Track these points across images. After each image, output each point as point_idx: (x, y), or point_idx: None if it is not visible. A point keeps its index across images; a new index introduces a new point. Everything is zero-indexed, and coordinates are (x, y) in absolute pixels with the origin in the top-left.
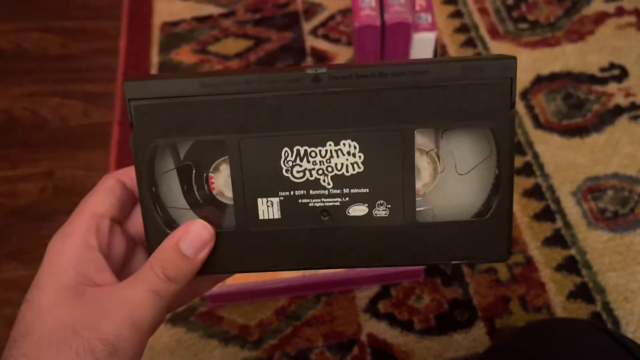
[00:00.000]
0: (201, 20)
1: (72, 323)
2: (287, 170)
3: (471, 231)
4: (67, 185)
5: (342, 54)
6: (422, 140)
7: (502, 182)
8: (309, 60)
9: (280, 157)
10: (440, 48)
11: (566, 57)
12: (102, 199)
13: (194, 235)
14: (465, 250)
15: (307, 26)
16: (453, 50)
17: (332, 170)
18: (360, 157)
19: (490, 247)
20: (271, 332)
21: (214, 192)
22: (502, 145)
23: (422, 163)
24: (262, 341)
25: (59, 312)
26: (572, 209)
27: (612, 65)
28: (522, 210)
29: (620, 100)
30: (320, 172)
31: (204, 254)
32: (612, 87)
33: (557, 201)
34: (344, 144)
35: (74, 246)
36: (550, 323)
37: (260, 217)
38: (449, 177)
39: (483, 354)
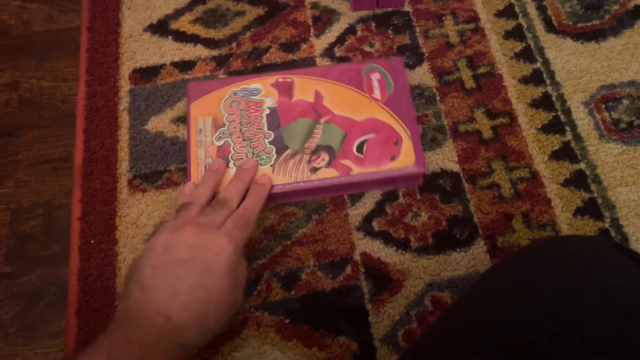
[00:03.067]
0: None
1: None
2: None
3: None
4: (34, 98)
5: None
6: None
7: None
8: None
9: None
10: None
11: None
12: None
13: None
14: None
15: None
16: None
17: None
18: None
19: None
20: (260, 252)
21: None
22: None
23: None
24: (250, 261)
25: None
26: (583, 120)
27: None
28: (529, 121)
29: None
30: None
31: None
32: None
33: (567, 112)
34: None
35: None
36: (558, 241)
37: None
38: None
39: (485, 273)
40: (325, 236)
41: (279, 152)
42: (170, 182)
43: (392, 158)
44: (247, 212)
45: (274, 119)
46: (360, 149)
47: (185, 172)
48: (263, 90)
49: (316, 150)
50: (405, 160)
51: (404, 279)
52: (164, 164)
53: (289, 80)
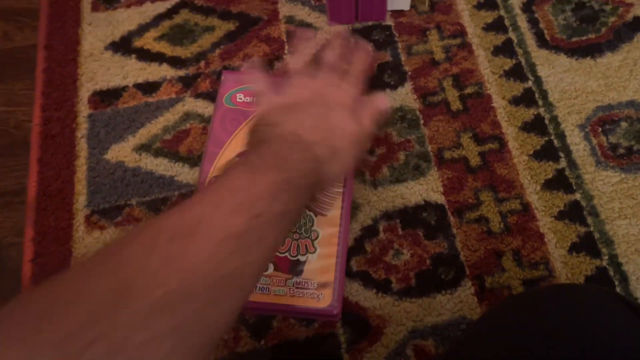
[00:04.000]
0: None
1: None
2: None
3: None
4: None
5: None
6: None
7: None
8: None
9: None
10: None
11: None
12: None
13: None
14: None
15: None
16: None
17: None
18: None
19: None
20: None
21: None
22: None
23: None
24: None
25: None
26: (578, 145)
27: None
28: (520, 147)
29: None
30: None
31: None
32: None
33: (561, 136)
34: None
35: None
36: (554, 290)
37: None
38: None
39: (474, 324)
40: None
41: None
42: (131, 217)
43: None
44: (359, 74)
45: None
46: None
47: (147, 206)
48: None
49: None
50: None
51: (384, 325)
52: (124, 197)
53: None
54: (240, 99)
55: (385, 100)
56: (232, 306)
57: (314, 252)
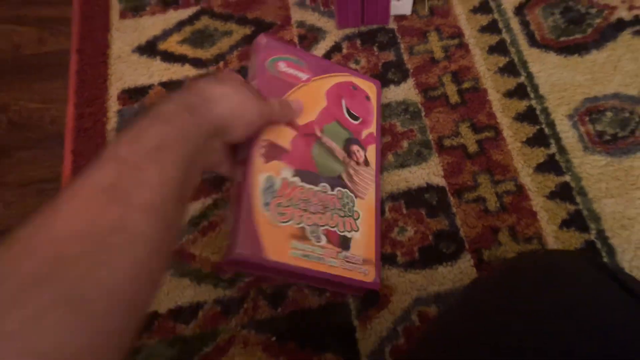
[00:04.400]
0: None
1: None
2: None
3: None
4: (22, 120)
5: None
6: None
7: None
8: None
9: None
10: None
11: None
12: None
13: (296, 103)
14: None
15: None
16: None
17: None
18: None
19: None
20: None
21: None
22: None
23: None
24: (237, 279)
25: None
26: (567, 133)
27: None
28: (513, 135)
29: (624, 13)
30: None
31: (296, 113)
32: None
33: (551, 125)
34: None
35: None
36: (538, 255)
37: None
38: None
39: (467, 287)
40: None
41: (336, 185)
42: None
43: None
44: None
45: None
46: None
47: None
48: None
49: (347, 149)
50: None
51: (391, 294)
52: None
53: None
54: (283, 68)
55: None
56: (126, 262)
57: (357, 230)
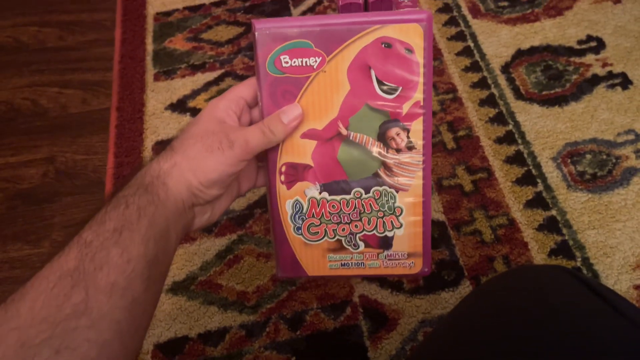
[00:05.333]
0: (193, 9)
1: (212, 130)
2: None
3: None
4: (68, 169)
5: None
6: None
7: None
8: None
9: None
10: None
11: (545, 32)
12: (241, 89)
13: (290, 110)
14: None
15: (295, 12)
16: (436, 29)
17: None
18: None
19: None
20: (268, 297)
21: None
22: None
23: None
24: (260, 305)
25: (205, 126)
26: (552, 173)
27: (590, 38)
28: (504, 176)
29: (598, 70)
30: None
31: (294, 123)
32: (589, 58)
33: (538, 166)
34: None
35: (223, 105)
36: (522, 270)
37: None
38: None
39: (460, 302)
40: (327, 281)
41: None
42: (188, 237)
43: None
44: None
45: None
46: None
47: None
48: None
49: (384, 137)
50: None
51: (398, 317)
52: None
53: None
54: (287, 62)
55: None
56: (92, 345)
57: (400, 227)
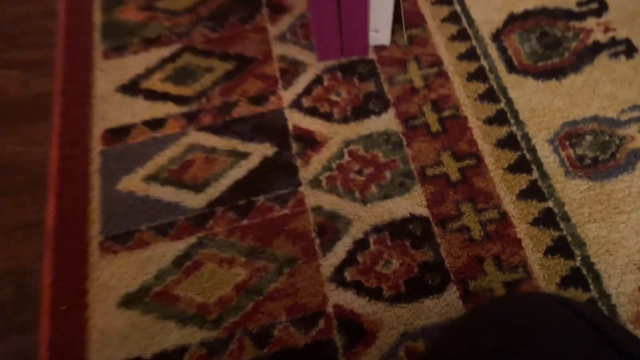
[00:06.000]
0: None
1: None
2: None
3: None
4: (7, 163)
5: (298, 7)
6: None
7: None
8: (265, 12)
9: None
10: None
11: None
12: None
13: None
14: None
15: None
16: (426, 6)
17: None
18: None
19: None
20: (231, 309)
21: None
22: None
23: None
24: (222, 319)
25: None
26: (548, 158)
27: None
28: (495, 162)
29: (600, 36)
30: None
31: None
32: (590, 22)
33: (532, 150)
34: None
35: None
36: (517, 303)
37: None
38: None
39: (450, 330)
40: (297, 289)
41: None
42: (141, 241)
43: None
44: None
45: None
46: None
47: (155, 230)
48: None
49: None
50: None
51: (377, 330)
52: (135, 223)
53: None
54: None
55: None
56: None
57: None
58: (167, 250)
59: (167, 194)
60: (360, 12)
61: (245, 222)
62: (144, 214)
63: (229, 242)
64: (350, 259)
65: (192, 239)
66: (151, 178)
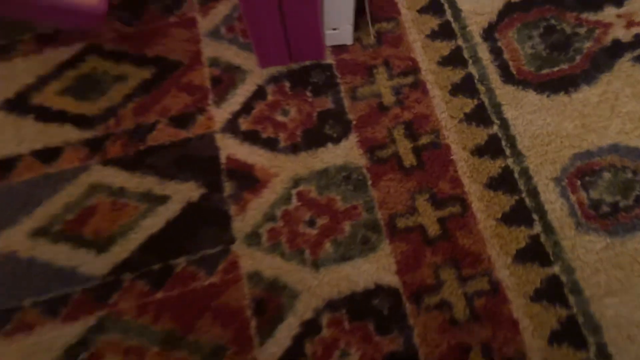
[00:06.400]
0: None
1: None
2: None
3: None
4: None
5: None
6: None
7: None
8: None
9: None
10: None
11: None
12: None
13: None
14: None
15: None
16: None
17: None
18: None
19: None
20: None
21: None
22: None
23: None
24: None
25: None
26: (554, 204)
27: None
28: (486, 209)
29: (620, 32)
30: None
31: None
32: (608, 13)
33: (534, 193)
34: None
35: None
36: None
37: None
38: None
39: None
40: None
41: None
42: (24, 324)
43: None
44: None
45: None
46: None
47: (43, 308)
48: None
49: None
50: None
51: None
52: (15, 298)
53: None
54: None
55: None
56: None
57: None
58: (58, 337)
59: (60, 255)
60: (310, 6)
61: (160, 295)
62: (28, 284)
63: (138, 325)
64: (295, 350)
65: (91, 320)
66: (40, 232)
